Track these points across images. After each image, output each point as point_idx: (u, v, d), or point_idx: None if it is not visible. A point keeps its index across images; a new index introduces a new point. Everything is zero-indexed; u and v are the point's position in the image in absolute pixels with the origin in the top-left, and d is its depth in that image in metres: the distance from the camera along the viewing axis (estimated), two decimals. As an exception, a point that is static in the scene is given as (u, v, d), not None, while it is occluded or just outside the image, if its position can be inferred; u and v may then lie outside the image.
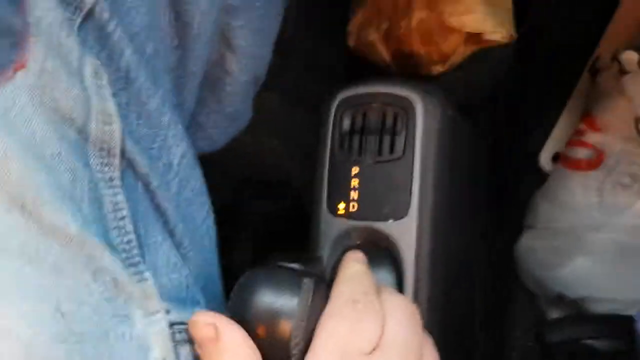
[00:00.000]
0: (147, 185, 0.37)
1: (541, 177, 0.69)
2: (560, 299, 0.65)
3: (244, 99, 0.51)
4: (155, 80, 0.39)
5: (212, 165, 0.46)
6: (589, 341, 0.55)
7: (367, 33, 0.58)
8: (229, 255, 0.73)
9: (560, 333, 0.56)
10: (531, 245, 0.66)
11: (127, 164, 0.36)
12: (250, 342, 0.35)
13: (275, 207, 0.70)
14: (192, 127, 0.49)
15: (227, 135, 0.53)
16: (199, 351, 0.35)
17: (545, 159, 0.69)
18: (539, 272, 0.65)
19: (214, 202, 0.45)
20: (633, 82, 0.58)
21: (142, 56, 0.38)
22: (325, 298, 0.39)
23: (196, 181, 0.43)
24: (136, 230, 0.35)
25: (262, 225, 0.73)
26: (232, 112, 0.51)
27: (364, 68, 0.63)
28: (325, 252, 0.50)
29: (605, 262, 0.61)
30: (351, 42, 0.60)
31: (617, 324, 0.55)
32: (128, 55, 0.37)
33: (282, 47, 0.77)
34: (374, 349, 0.35)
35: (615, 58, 0.60)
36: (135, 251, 0.35)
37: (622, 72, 0.59)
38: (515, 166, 0.70)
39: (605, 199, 0.61)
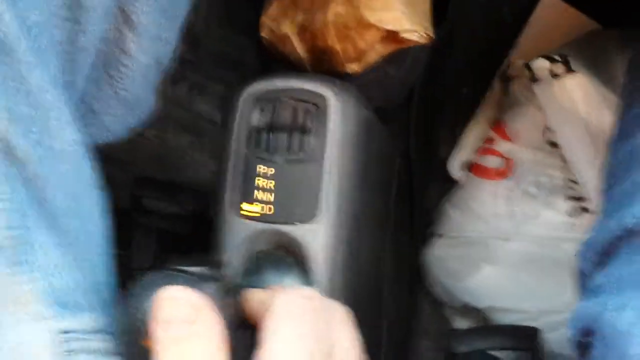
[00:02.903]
0: (29, 174, 0.33)
1: (450, 185, 0.68)
2: (466, 309, 0.64)
3: (143, 84, 0.47)
4: (39, 54, 0.35)
5: (110, 160, 0.42)
6: (495, 352, 0.54)
7: (282, 25, 0.55)
8: (127, 260, 0.69)
9: (466, 344, 0.55)
10: (440, 254, 0.65)
11: (4, 150, 0.32)
12: (226, 335, 0.31)
13: (178, 209, 0.66)
14: (84, 113, 0.44)
15: (124, 125, 0.48)
16: (158, 333, 0.31)
17: (454, 166, 0.69)
18: (447, 281, 0.64)
19: (111, 201, 0.40)
20: (544, 90, 0.58)
21: (24, 23, 0.34)
22: (229, 304, 0.36)
23: (87, 173, 0.38)
24: (16, 227, 0.31)
25: (164, 227, 0.69)
26: (129, 99, 0.46)
27: (278, 63, 0.61)
28: (232, 256, 0.46)
29: (512, 272, 0.61)
30: (264, 34, 0.57)
31: (523, 335, 0.55)
32: (7, 20, 0.32)
33: (192, 40, 0.74)
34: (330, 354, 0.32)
35: (527, 66, 0.60)
36: (16, 249, 0.31)
37: (534, 80, 0.59)
38: (424, 172, 0.69)
39: (514, 208, 0.61)
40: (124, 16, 0.42)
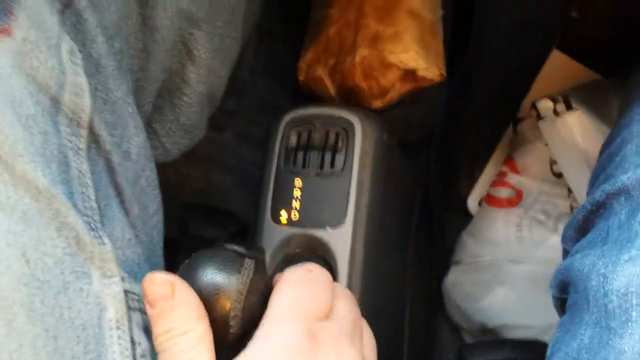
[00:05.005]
0: (108, 163, 0.40)
1: (468, 218, 0.74)
2: (482, 332, 0.69)
3: (199, 111, 0.55)
4: (120, 74, 0.43)
5: (161, 192, 0.48)
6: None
7: (316, 69, 0.64)
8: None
9: (478, 355, 0.60)
10: (457, 279, 0.71)
11: (93, 139, 0.39)
12: (201, 303, 0.37)
13: (221, 233, 0.72)
14: (147, 133, 0.52)
15: (179, 147, 0.56)
16: (150, 311, 0.36)
17: (472, 203, 0.76)
18: (464, 304, 0.69)
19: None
20: (548, 127, 0.65)
21: (111, 49, 0.41)
22: (265, 282, 0.42)
23: (151, 173, 0.46)
24: (97, 201, 0.38)
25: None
26: (186, 124, 0.54)
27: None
28: (267, 257, 0.53)
29: (523, 292, 0.66)
30: (301, 77, 0.66)
31: (531, 347, 0.60)
32: (100, 43, 0.40)
33: (238, 90, 0.82)
34: (327, 319, 0.37)
35: (533, 106, 0.67)
36: (96, 217, 0.37)
37: (539, 118, 0.66)
38: (443, 206, 0.75)
39: (523, 233, 0.67)
40: (186, 50, 0.50)
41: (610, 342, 0.34)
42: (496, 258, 0.68)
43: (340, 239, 0.52)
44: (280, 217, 0.53)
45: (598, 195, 0.39)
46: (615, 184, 0.38)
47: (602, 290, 0.35)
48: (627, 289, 0.34)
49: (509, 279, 0.67)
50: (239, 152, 0.84)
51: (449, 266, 0.73)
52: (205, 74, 0.52)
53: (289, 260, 0.53)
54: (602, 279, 0.35)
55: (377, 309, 0.56)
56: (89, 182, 0.37)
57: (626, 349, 0.33)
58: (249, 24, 0.58)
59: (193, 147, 0.60)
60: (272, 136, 0.55)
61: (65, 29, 0.38)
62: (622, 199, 0.38)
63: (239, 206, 0.81)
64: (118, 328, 0.36)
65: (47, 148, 0.35)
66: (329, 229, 0.52)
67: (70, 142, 0.37)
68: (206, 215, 0.73)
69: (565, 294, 0.40)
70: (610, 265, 0.35)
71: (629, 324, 0.33)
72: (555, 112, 0.65)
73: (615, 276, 0.34)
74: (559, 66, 0.75)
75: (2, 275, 0.31)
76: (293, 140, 0.55)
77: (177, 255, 0.79)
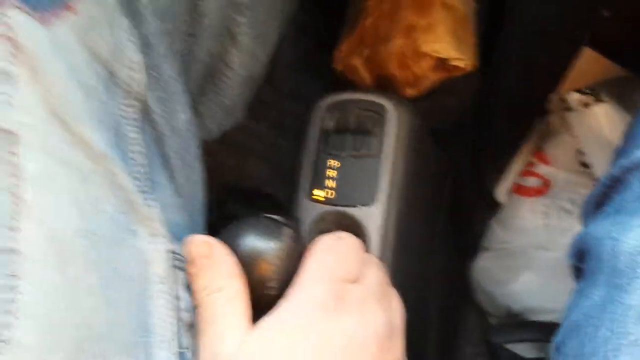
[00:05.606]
0: (158, 135, 0.43)
1: (496, 207, 0.76)
2: (508, 315, 0.71)
3: (240, 94, 0.58)
4: (170, 55, 0.46)
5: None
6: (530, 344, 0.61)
7: (351, 58, 0.67)
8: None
9: (504, 335, 0.61)
10: (485, 265, 0.73)
11: (145, 112, 0.41)
12: (238, 263, 0.40)
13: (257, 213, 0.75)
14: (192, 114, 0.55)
15: (220, 127, 0.59)
16: (190, 269, 0.39)
17: (501, 192, 0.77)
18: (491, 288, 0.71)
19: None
20: (577, 119, 0.67)
21: (163, 31, 0.44)
22: (300, 251, 0.43)
23: (195, 148, 0.49)
24: (147, 167, 0.40)
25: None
26: (228, 105, 0.57)
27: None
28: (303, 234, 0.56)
29: (549, 277, 0.68)
30: (337, 65, 0.69)
31: (554, 329, 0.61)
32: (152, 24, 0.43)
33: (273, 83, 0.85)
34: (355, 282, 0.40)
35: (561, 99, 0.69)
36: (146, 182, 0.39)
37: (567, 110, 0.68)
38: (473, 196, 0.77)
39: (550, 221, 0.68)
40: (230, 36, 0.53)
41: (618, 298, 0.36)
42: (524, 245, 0.69)
43: (372, 218, 0.55)
44: (316, 196, 0.56)
45: (615, 170, 0.41)
46: (631, 159, 0.40)
47: (612, 252, 0.37)
48: (636, 249, 0.36)
49: (535, 265, 0.69)
50: (273, 141, 0.87)
51: (477, 252, 0.75)
52: (247, 59, 0.55)
53: (322, 237, 0.56)
54: (613, 243, 0.37)
55: (404, 286, 0.59)
56: (140, 149, 0.40)
57: (633, 303, 0.35)
58: (286, 14, 0.61)
59: (229, 136, 0.63)
60: (309, 119, 0.58)
61: (122, 9, 0.41)
62: (637, 172, 0.39)
63: (273, 191, 0.83)
64: (163, 283, 0.38)
65: (104, 116, 0.38)
66: (361, 208, 0.55)
67: (124, 111, 0.40)
68: (243, 197, 0.76)
69: (582, 262, 0.42)
70: (622, 230, 0.37)
71: (636, 280, 0.35)
72: (584, 104, 0.67)
73: (625, 239, 0.36)
74: (588, 63, 0.77)
75: (61, 227, 0.33)
76: (330, 123, 0.57)
77: (215, 236, 0.82)
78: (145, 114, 0.42)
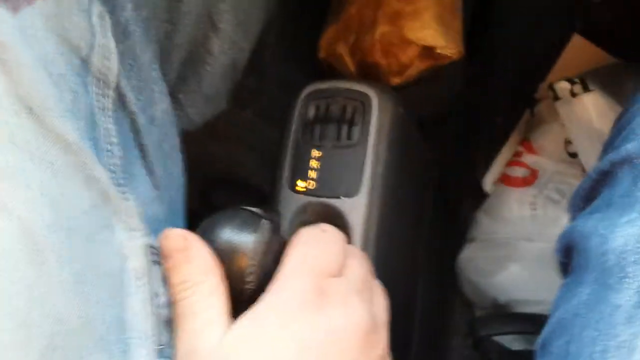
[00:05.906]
0: (134, 125, 0.42)
1: (483, 197, 0.75)
2: (494, 307, 0.70)
3: (222, 81, 0.57)
4: (147, 42, 0.45)
5: (185, 167, 0.49)
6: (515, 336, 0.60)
7: (336, 46, 0.65)
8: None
9: (489, 328, 0.61)
10: (472, 256, 0.72)
11: (120, 100, 0.40)
12: (215, 257, 0.39)
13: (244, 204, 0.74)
14: (172, 103, 0.54)
15: (202, 117, 0.58)
16: (167, 264, 0.38)
17: (488, 182, 0.77)
18: (477, 280, 0.71)
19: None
20: (565, 107, 0.66)
21: (139, 17, 0.43)
22: (280, 243, 0.43)
23: (174, 138, 0.48)
24: (122, 159, 0.39)
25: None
26: (209, 94, 0.56)
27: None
28: (284, 225, 0.55)
29: (535, 268, 0.67)
30: (322, 54, 0.68)
31: (540, 321, 0.61)
32: (128, 10, 0.42)
33: (259, 71, 0.84)
34: (337, 276, 0.39)
35: (550, 87, 0.68)
36: (121, 175, 0.39)
37: (556, 99, 0.67)
38: (459, 186, 0.76)
39: (537, 212, 0.68)
40: (210, 22, 0.52)
41: (607, 297, 0.35)
42: (510, 236, 0.69)
43: (355, 209, 0.54)
44: (298, 187, 0.55)
45: (603, 164, 0.40)
46: (620, 153, 0.39)
47: (600, 249, 0.36)
48: (624, 248, 0.35)
49: (522, 256, 0.68)
50: (260, 130, 0.86)
51: (463, 243, 0.74)
52: (228, 46, 0.54)
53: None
54: (601, 240, 0.36)
55: (389, 278, 0.58)
56: (115, 140, 0.39)
57: (621, 303, 0.34)
58: (270, 1, 0.60)
59: (216, 125, 0.61)
60: (291, 109, 0.57)
61: None
62: (626, 167, 0.39)
63: (260, 182, 0.83)
64: (140, 278, 0.37)
65: (76, 106, 0.37)
66: (344, 199, 0.54)
67: (98, 101, 0.39)
68: (228, 188, 0.75)
69: (569, 258, 0.41)
70: (610, 226, 0.36)
71: (625, 279, 0.34)
72: (572, 93, 0.66)
73: (613, 236, 0.36)
74: (577, 50, 0.76)
75: (34, 221, 0.33)
76: (311, 112, 0.56)
77: (198, 225, 0.81)
78: (121, 103, 0.41)
